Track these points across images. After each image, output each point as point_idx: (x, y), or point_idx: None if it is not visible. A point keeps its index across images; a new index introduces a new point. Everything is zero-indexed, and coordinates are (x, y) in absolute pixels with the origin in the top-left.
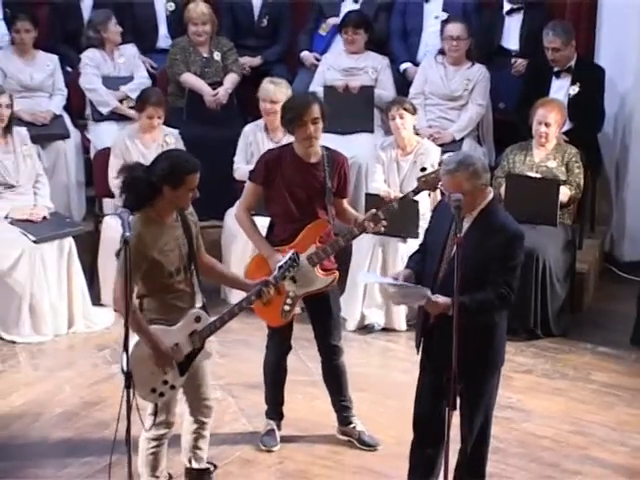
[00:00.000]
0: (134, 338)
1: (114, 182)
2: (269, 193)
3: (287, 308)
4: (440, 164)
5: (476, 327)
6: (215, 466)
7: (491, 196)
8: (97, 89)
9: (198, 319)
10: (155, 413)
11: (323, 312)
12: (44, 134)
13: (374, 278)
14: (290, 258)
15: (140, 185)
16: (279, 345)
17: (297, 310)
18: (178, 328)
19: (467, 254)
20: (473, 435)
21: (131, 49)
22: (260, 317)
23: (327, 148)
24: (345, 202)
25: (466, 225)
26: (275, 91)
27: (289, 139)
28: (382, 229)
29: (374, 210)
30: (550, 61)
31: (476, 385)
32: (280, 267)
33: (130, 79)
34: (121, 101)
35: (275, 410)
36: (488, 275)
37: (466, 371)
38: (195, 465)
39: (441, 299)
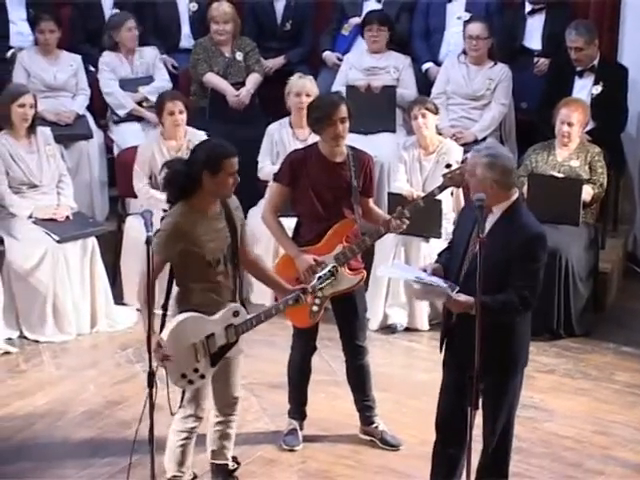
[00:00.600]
0: (170, 324)
1: (139, 187)
2: (295, 194)
3: (315, 309)
4: (463, 162)
5: (497, 327)
6: (238, 463)
7: (515, 197)
8: (113, 92)
9: (236, 313)
10: (181, 402)
11: (349, 312)
12: (67, 134)
13: (398, 271)
14: (330, 271)
15: (180, 178)
16: (304, 345)
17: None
18: (216, 319)
19: (489, 253)
20: (495, 435)
21: (151, 52)
22: (288, 318)
23: (352, 147)
24: (371, 202)
25: (489, 225)
26: (311, 86)
27: (315, 137)
28: (404, 227)
29: (400, 208)
30: (573, 60)
31: (498, 385)
32: (319, 277)
33: (149, 79)
34: (140, 103)
35: (298, 410)
36: (510, 276)
37: (488, 370)
38: (220, 461)
39: (462, 297)
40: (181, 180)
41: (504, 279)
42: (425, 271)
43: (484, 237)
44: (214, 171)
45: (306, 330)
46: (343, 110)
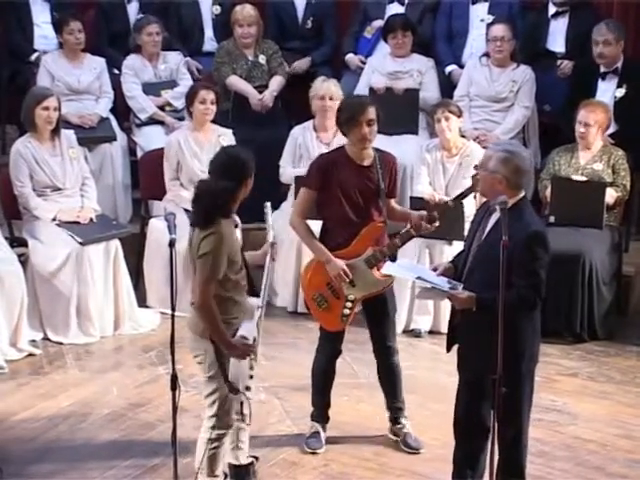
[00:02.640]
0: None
1: (167, 182)
2: (323, 198)
3: (347, 312)
4: None
5: (502, 327)
6: (257, 458)
7: (520, 197)
8: (136, 96)
9: (258, 307)
10: (215, 415)
11: (380, 313)
12: (91, 137)
13: (401, 269)
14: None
15: (218, 197)
16: (330, 349)
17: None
18: (254, 324)
19: (491, 251)
20: (506, 438)
21: (176, 57)
22: (319, 322)
23: (377, 149)
24: (393, 201)
25: (491, 223)
26: (335, 89)
27: (339, 141)
28: (432, 229)
29: (424, 212)
30: (597, 57)
31: (506, 385)
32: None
33: (172, 83)
34: (162, 107)
35: (321, 413)
36: (512, 275)
37: (492, 370)
38: (238, 460)
39: (464, 294)
40: (223, 198)
41: (507, 276)
42: (435, 270)
43: (506, 239)
44: (249, 177)
45: (333, 334)
46: (370, 112)
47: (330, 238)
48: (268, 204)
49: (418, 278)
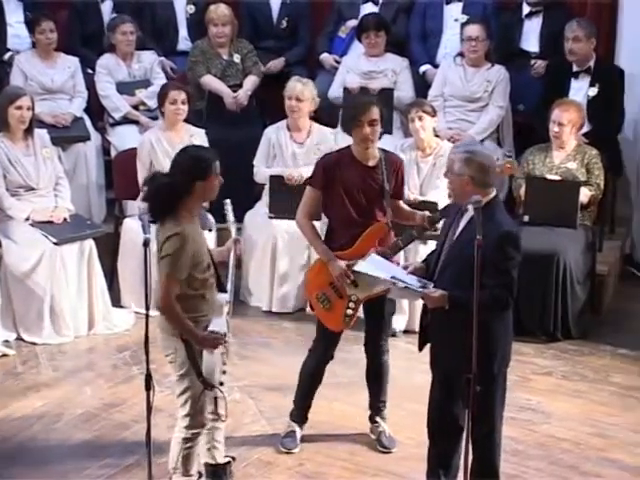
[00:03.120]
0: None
1: (143, 185)
2: (328, 197)
3: (350, 312)
4: None
5: (470, 325)
6: (234, 458)
7: (491, 196)
8: (109, 95)
9: (227, 302)
10: (188, 414)
11: (376, 313)
12: (65, 136)
13: (375, 268)
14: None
15: (167, 190)
16: (322, 353)
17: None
18: (223, 318)
19: (463, 251)
20: (479, 437)
21: (150, 56)
22: (323, 321)
23: (384, 150)
24: (401, 202)
25: (463, 223)
26: (302, 89)
27: (312, 140)
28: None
29: (432, 214)
30: (568, 53)
31: (479, 384)
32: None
33: (146, 82)
34: (136, 107)
35: (301, 414)
36: (483, 275)
37: (464, 370)
38: (215, 460)
39: (437, 293)
40: (169, 193)
41: (473, 276)
42: (406, 268)
43: (480, 239)
44: (204, 176)
45: (328, 338)
46: (373, 113)
47: (334, 238)
48: (228, 201)
49: (392, 277)
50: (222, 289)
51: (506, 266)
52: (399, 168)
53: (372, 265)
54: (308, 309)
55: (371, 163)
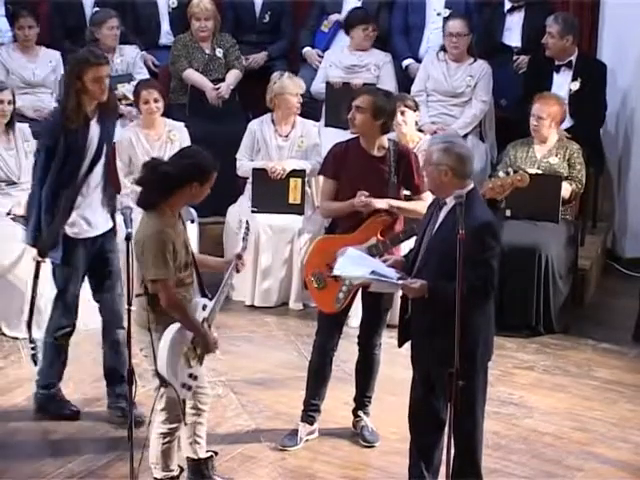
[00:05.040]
0: (164, 341)
1: (122, 179)
2: (338, 185)
3: (342, 295)
4: None
5: (449, 318)
6: (216, 453)
7: (469, 188)
8: None
9: (204, 307)
10: (164, 409)
11: (373, 308)
12: None
13: (352, 266)
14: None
15: (167, 181)
16: (322, 345)
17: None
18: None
19: (443, 244)
20: (461, 431)
21: (132, 50)
22: (316, 303)
23: (395, 142)
24: (424, 196)
25: (442, 215)
26: (288, 81)
27: (296, 133)
28: None
29: None
30: (544, 45)
31: (460, 378)
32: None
33: (128, 76)
34: (119, 101)
35: (305, 413)
36: (464, 267)
37: (444, 363)
38: (197, 455)
39: (417, 283)
40: (166, 181)
41: (453, 268)
42: (386, 262)
43: (462, 233)
44: (203, 182)
45: (327, 329)
46: (362, 100)
47: (338, 224)
48: (246, 220)
49: (372, 272)
50: (204, 294)
51: (486, 257)
52: (408, 159)
53: (349, 262)
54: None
55: (378, 153)
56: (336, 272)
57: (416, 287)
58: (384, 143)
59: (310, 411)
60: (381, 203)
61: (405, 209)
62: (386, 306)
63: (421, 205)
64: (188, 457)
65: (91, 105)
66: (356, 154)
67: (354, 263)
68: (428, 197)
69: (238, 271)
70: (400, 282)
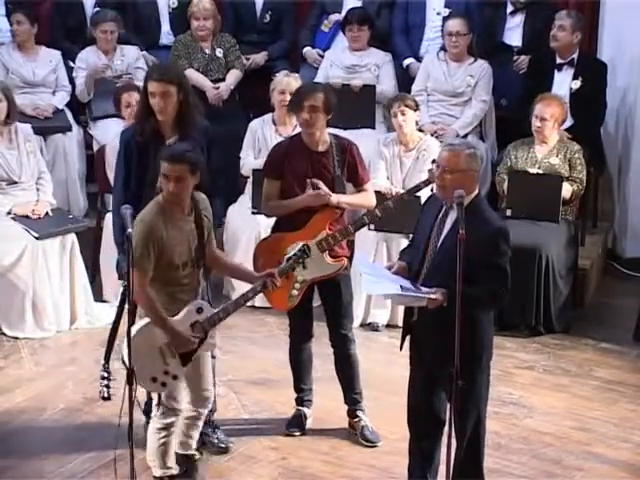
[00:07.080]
0: (135, 328)
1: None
2: (282, 185)
3: (295, 293)
4: None
5: (461, 322)
6: (201, 453)
7: (477, 191)
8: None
9: (200, 310)
10: (159, 403)
11: (334, 299)
12: (46, 126)
13: (381, 282)
14: (300, 249)
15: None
16: (297, 333)
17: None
18: (179, 319)
19: (452, 248)
20: (465, 431)
21: (134, 51)
22: (268, 301)
23: (335, 136)
24: (367, 186)
25: (451, 220)
26: (296, 84)
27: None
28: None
29: (385, 201)
30: (551, 39)
31: (464, 378)
32: (288, 259)
33: (128, 77)
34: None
35: (300, 397)
36: (477, 271)
37: (451, 365)
38: (184, 451)
39: (439, 294)
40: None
41: (467, 272)
42: (390, 268)
43: (463, 233)
44: (196, 172)
45: (296, 316)
46: (315, 99)
47: (284, 223)
48: (305, 244)
49: (401, 288)
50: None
51: (501, 261)
52: (349, 151)
53: (372, 279)
54: (258, 302)
55: (320, 148)
56: (366, 291)
57: (441, 299)
58: (326, 138)
59: (303, 394)
60: (333, 198)
61: (353, 204)
62: (348, 298)
63: (367, 197)
64: (176, 452)
65: (161, 122)
66: (300, 151)
67: (376, 276)
68: (370, 187)
69: (266, 287)
70: (427, 296)
